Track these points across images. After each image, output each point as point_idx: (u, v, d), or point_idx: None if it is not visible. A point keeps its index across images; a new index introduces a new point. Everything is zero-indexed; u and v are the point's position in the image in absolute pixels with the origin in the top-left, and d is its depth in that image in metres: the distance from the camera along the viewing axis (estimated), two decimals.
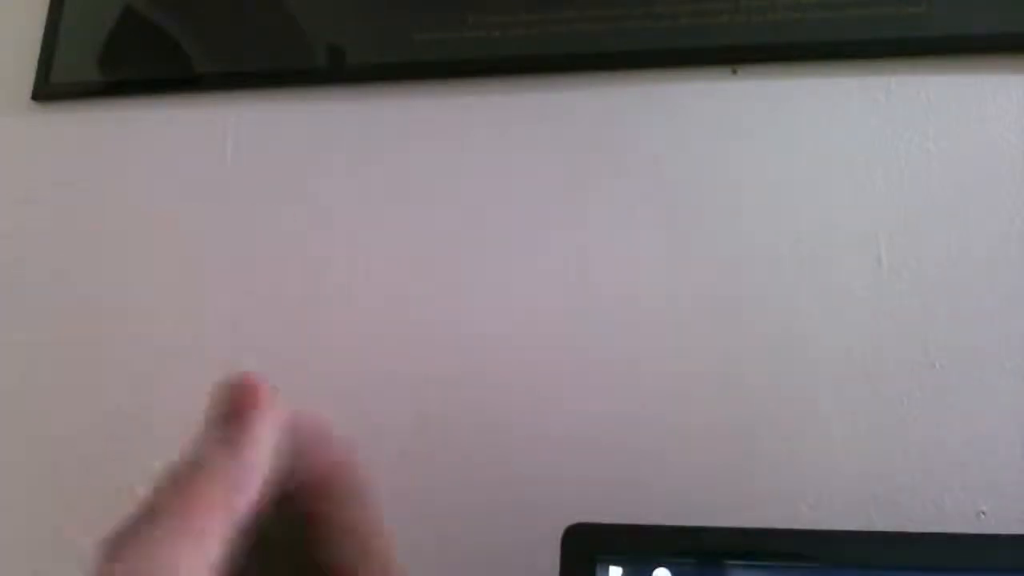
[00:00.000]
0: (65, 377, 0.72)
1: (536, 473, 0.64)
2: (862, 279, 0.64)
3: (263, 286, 0.72)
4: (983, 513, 0.58)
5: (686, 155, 0.68)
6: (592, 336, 0.66)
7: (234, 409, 0.20)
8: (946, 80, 0.67)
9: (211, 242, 0.74)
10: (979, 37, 0.66)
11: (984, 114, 0.66)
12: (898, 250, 0.64)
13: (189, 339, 0.71)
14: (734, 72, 0.69)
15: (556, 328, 0.67)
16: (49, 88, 0.80)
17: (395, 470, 0.64)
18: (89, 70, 0.80)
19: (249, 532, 0.19)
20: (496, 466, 0.64)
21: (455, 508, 0.64)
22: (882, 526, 0.58)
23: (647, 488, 0.62)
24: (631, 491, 0.62)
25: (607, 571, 0.51)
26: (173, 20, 0.79)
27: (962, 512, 0.58)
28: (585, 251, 0.68)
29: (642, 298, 0.66)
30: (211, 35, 0.78)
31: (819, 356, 0.63)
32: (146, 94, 0.78)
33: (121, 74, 0.80)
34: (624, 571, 0.51)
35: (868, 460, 0.60)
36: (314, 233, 0.72)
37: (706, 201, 0.67)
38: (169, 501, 0.18)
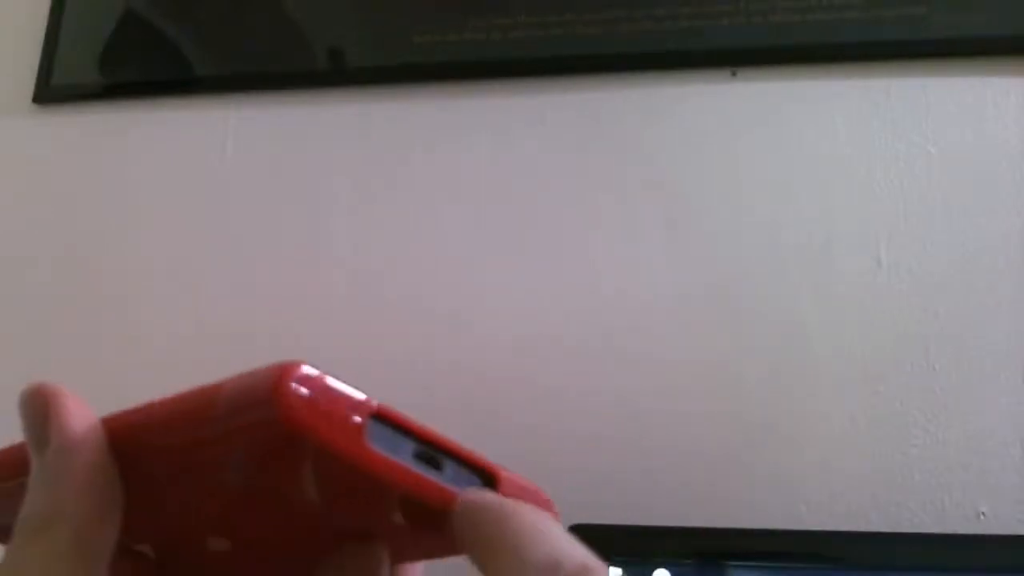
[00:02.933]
0: (64, 376, 0.72)
1: (536, 472, 0.63)
2: (862, 279, 0.64)
3: (262, 287, 0.72)
4: (983, 513, 0.58)
5: (686, 157, 0.68)
6: (592, 336, 0.66)
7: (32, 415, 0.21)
8: (946, 82, 0.67)
9: (211, 243, 0.74)
10: (979, 39, 0.66)
11: (984, 115, 0.66)
12: (898, 250, 0.64)
13: (189, 339, 0.71)
14: (734, 74, 0.69)
15: (555, 328, 0.66)
16: (50, 91, 0.80)
17: None
18: (90, 73, 0.80)
19: None
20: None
21: None
22: (882, 526, 0.58)
23: (647, 489, 0.62)
24: (631, 492, 0.62)
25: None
26: (173, 23, 0.79)
27: (962, 512, 0.58)
28: (586, 252, 0.68)
29: (642, 299, 0.66)
30: (211, 38, 0.78)
31: (819, 356, 0.63)
32: (146, 96, 0.79)
33: (121, 77, 0.80)
34: (624, 571, 0.51)
35: (868, 460, 0.60)
36: (313, 235, 0.72)
37: (707, 202, 0.67)
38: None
